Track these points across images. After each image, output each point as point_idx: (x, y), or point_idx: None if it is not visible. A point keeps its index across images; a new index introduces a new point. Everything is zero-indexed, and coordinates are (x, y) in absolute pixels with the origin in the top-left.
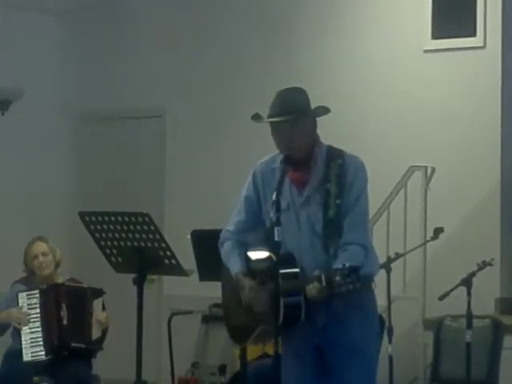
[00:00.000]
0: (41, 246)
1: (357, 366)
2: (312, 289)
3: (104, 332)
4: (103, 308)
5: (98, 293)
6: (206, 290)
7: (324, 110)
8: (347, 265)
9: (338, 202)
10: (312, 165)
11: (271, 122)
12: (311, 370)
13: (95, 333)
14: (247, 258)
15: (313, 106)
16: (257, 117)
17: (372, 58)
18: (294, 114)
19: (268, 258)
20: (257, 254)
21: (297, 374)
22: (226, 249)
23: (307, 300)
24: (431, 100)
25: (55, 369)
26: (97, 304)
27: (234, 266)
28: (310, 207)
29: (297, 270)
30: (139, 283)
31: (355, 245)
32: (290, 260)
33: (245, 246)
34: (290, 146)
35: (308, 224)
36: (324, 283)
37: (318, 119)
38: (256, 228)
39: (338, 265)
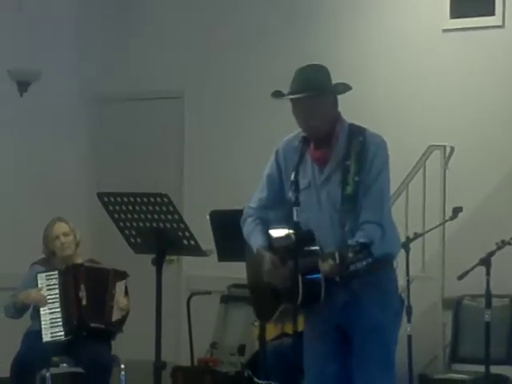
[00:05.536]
0: (62, 227)
1: (375, 346)
2: (325, 266)
3: (124, 316)
4: (126, 292)
5: (122, 275)
6: (224, 270)
7: (345, 87)
8: (360, 241)
9: (356, 179)
10: (333, 142)
11: (292, 100)
12: (332, 350)
13: (115, 314)
14: (269, 236)
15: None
16: (277, 94)
17: (390, 37)
18: (314, 91)
19: (287, 236)
20: (277, 232)
21: (317, 355)
22: (248, 225)
23: (327, 279)
24: (450, 79)
25: (74, 349)
26: (120, 286)
27: (256, 241)
28: (330, 185)
29: (316, 247)
30: (158, 264)
31: (372, 223)
32: (309, 238)
33: (266, 223)
34: (309, 123)
35: (329, 202)
36: (338, 260)
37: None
38: (277, 206)
39: (350, 242)
